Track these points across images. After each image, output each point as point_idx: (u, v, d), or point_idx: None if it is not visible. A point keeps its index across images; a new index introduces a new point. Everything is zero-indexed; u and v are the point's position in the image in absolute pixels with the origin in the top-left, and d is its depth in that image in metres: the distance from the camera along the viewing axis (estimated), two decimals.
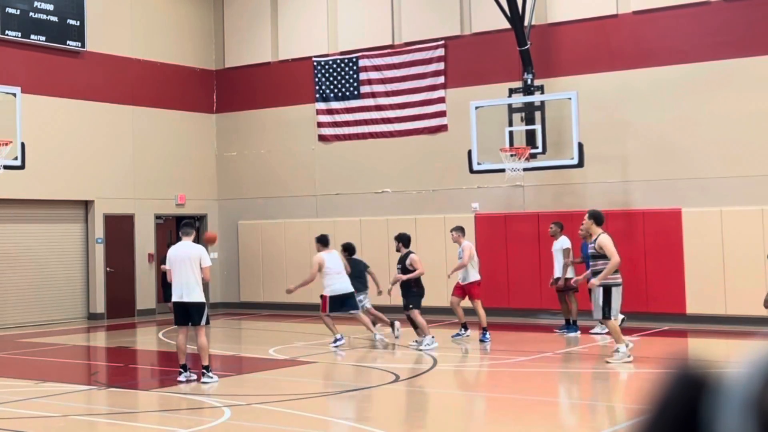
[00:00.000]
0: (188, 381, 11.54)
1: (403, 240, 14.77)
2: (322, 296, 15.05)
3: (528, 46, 18.16)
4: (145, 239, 21.88)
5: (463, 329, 15.48)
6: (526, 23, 18.14)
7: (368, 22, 21.36)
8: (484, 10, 19.45)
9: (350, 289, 14.90)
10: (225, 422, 9.20)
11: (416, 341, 14.37)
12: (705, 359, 1.01)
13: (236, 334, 19.23)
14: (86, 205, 21.07)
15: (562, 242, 16.14)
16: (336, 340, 14.84)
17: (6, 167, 16.55)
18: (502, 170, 17.58)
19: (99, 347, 17.65)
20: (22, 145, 16.86)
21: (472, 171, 18.08)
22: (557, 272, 16.12)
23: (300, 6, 22.38)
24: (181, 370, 11.67)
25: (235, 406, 10.04)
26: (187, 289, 11.48)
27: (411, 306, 14.35)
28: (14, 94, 16.98)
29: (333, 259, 15.01)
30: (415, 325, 14.46)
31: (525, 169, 17.68)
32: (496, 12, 18.30)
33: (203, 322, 11.56)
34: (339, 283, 14.85)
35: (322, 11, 22.01)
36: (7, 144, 16.39)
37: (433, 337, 14.29)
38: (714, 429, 0.95)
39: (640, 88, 17.99)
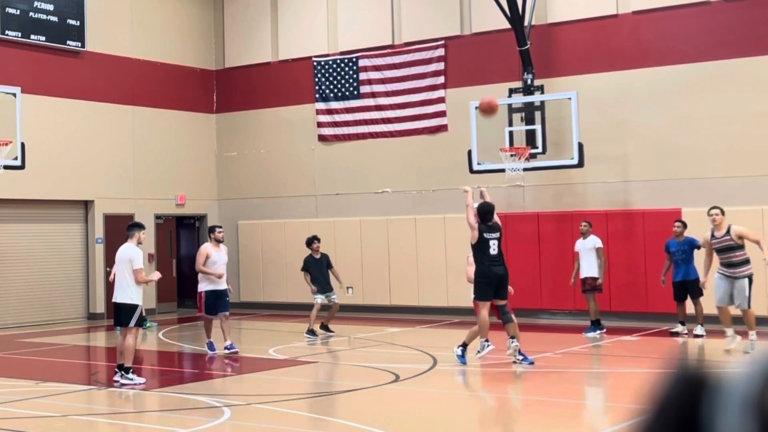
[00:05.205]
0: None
1: None
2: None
3: (528, 46, 18.15)
4: (145, 239, 21.82)
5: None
6: (526, 23, 18.13)
7: (368, 22, 21.35)
8: (484, 10, 19.45)
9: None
10: (225, 422, 9.21)
11: None
12: (705, 359, 1.01)
13: (236, 334, 19.18)
14: (86, 205, 21.06)
15: (594, 241, 15.88)
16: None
17: (6, 167, 16.56)
18: (502, 170, 17.58)
19: (99, 347, 17.64)
20: (22, 145, 16.87)
21: (472, 171, 18.07)
22: (587, 271, 15.72)
23: (300, 6, 22.37)
24: (117, 369, 11.72)
25: (235, 406, 10.04)
26: (119, 290, 11.79)
27: None
28: (14, 94, 16.98)
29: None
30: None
31: (525, 169, 17.67)
32: (496, 12, 18.30)
33: (132, 323, 11.66)
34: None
35: (322, 11, 22.00)
36: (7, 144, 16.40)
37: None
38: (714, 429, 0.95)
39: (640, 88, 17.98)
